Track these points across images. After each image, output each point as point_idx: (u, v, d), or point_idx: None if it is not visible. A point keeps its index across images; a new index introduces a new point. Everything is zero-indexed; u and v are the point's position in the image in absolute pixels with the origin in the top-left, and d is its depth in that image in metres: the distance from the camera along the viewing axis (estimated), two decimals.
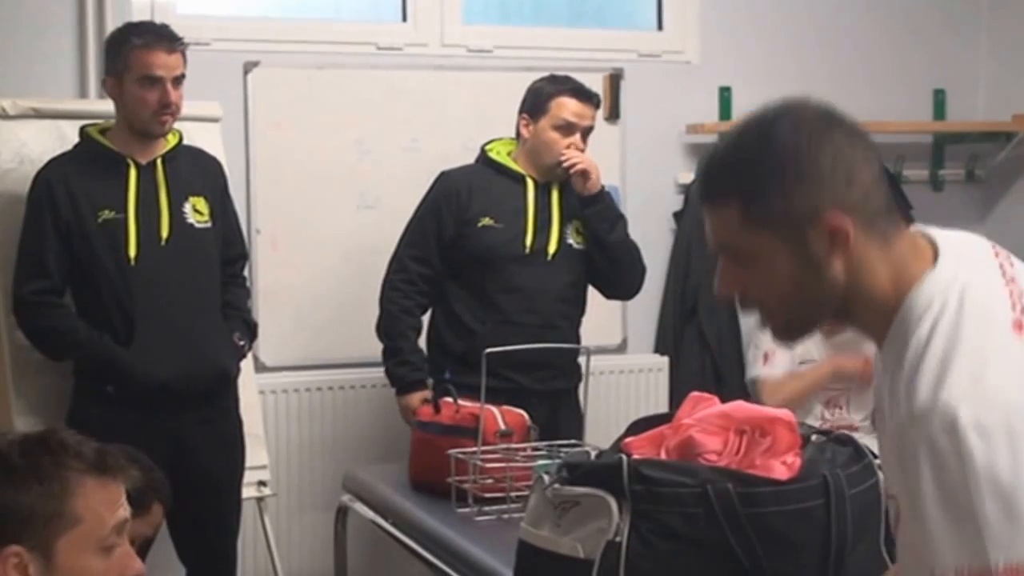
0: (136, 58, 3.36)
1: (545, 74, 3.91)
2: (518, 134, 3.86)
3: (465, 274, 3.82)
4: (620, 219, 3.93)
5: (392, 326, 3.84)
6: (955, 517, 1.41)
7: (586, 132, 3.81)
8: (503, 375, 3.58)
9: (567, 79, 3.84)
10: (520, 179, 3.84)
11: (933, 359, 1.45)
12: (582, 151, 3.79)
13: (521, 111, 3.85)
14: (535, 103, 3.81)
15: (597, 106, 3.86)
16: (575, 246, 3.86)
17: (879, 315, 1.53)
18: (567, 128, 3.78)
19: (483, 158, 3.92)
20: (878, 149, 1.56)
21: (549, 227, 3.82)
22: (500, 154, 3.89)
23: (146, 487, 2.63)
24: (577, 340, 3.87)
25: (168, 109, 3.38)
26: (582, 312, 3.96)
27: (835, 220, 1.49)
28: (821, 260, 1.50)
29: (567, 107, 3.78)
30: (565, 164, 3.77)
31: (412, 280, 3.83)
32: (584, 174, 3.78)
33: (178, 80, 3.40)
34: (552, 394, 3.77)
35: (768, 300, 1.54)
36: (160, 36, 3.39)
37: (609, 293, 4.05)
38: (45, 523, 1.73)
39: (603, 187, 3.83)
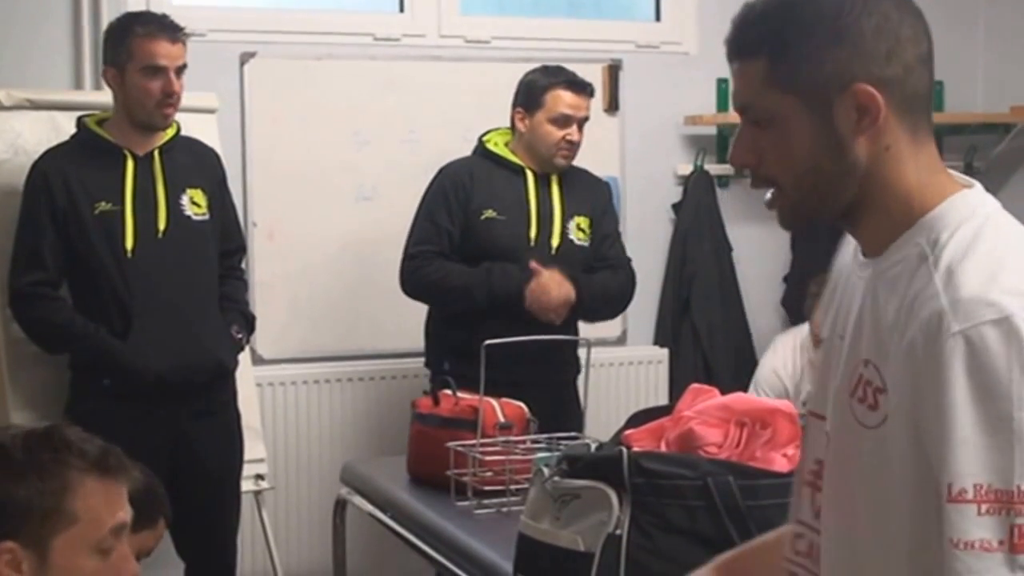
0: (139, 48, 3.34)
1: (537, 65, 3.89)
2: (513, 127, 3.84)
3: (466, 265, 3.79)
4: (606, 289, 3.83)
5: (455, 275, 3.73)
6: (986, 423, 1.26)
7: (582, 123, 3.79)
8: (503, 367, 3.56)
9: (559, 70, 3.82)
10: (519, 171, 3.82)
11: (982, 255, 1.33)
12: (578, 142, 3.77)
13: (515, 105, 3.82)
14: (529, 97, 3.79)
15: (591, 95, 3.84)
16: (577, 242, 3.84)
17: (893, 217, 1.41)
18: (564, 121, 3.75)
19: (481, 150, 3.89)
20: (930, 33, 1.43)
21: (551, 221, 3.80)
22: (498, 145, 3.87)
23: (154, 501, 2.60)
24: (577, 332, 3.86)
25: (171, 99, 3.36)
26: None
27: (866, 91, 1.37)
28: (845, 136, 1.39)
29: (563, 100, 3.75)
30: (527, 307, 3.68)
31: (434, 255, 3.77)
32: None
33: (180, 70, 3.38)
34: (552, 386, 3.75)
35: (782, 176, 1.43)
36: (163, 26, 3.38)
37: None
38: (42, 520, 1.71)
39: (574, 301, 3.70)
